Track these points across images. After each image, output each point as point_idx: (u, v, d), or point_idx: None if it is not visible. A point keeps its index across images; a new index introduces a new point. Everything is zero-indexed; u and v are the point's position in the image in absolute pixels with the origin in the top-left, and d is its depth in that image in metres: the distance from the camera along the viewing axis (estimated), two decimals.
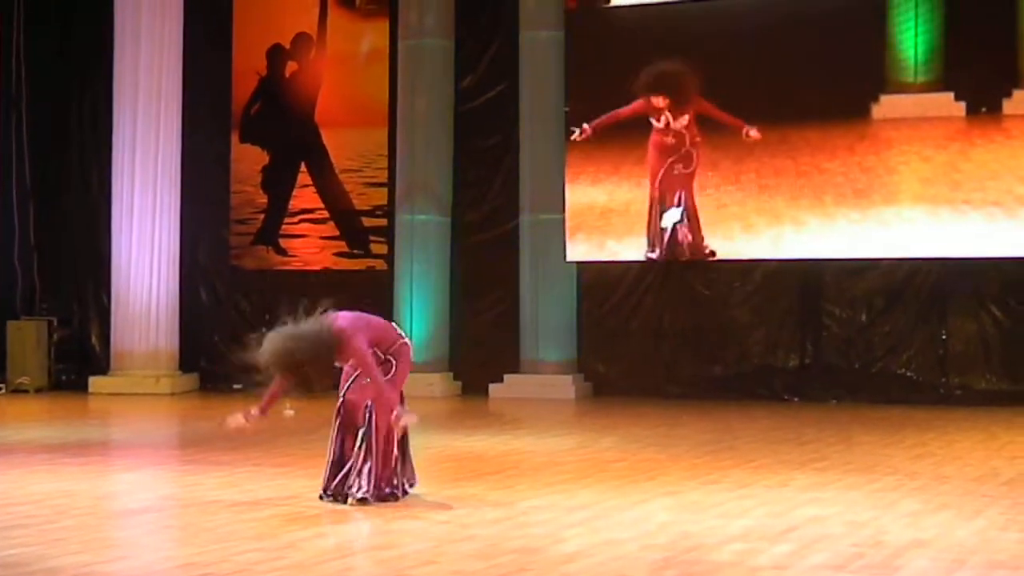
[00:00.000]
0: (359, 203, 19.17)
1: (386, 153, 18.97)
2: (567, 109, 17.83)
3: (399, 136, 18.59)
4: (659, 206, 17.41)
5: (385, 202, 18.95)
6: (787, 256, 17.10)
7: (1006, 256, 16.23)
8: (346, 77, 19.31)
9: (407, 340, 8.94)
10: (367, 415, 8.57)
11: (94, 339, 19.89)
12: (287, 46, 19.53)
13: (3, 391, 18.41)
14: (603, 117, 17.45)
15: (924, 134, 16.48)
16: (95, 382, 18.58)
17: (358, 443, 8.58)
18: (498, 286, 18.54)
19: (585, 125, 17.52)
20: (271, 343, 8.40)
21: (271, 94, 19.63)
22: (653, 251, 17.56)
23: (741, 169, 17.11)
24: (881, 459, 11.18)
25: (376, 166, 19.09)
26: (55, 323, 19.35)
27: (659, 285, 18.23)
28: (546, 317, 17.91)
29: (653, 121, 17.33)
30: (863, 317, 17.35)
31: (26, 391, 18.54)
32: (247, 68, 19.67)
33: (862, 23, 16.75)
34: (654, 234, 17.52)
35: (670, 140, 17.27)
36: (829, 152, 16.75)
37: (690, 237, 17.28)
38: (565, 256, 17.90)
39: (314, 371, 8.41)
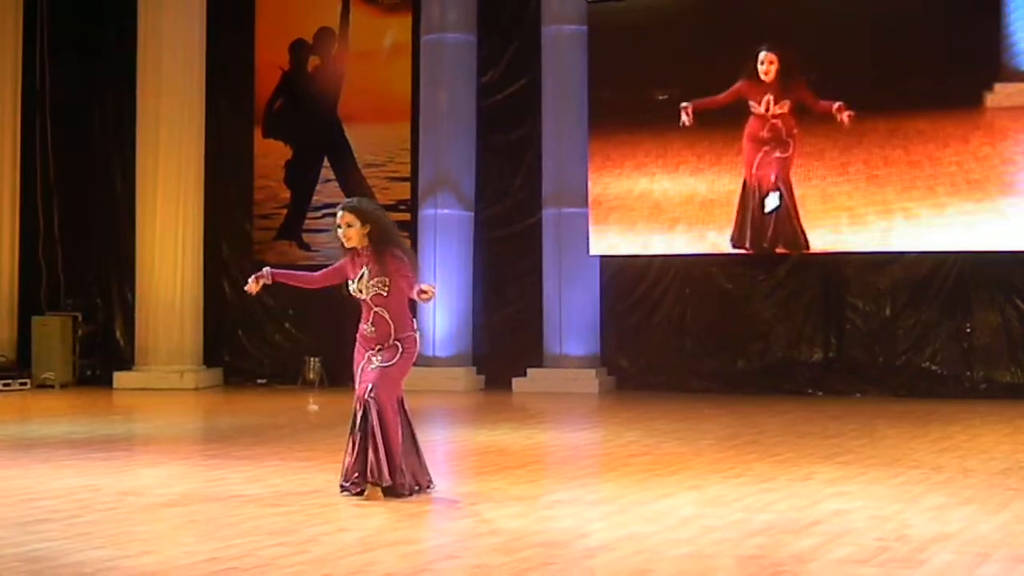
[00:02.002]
0: (382, 198, 19.12)
1: (409, 148, 18.99)
2: (664, 96, 17.45)
3: (422, 131, 18.61)
4: (756, 195, 17.05)
5: (408, 197, 18.97)
6: (900, 248, 16.72)
7: None
8: (369, 72, 19.33)
9: (417, 336, 8.79)
10: (364, 403, 8.51)
11: (118, 334, 19.98)
12: (310, 41, 19.56)
13: (28, 386, 18.49)
14: (702, 100, 17.13)
15: None
16: (119, 377, 18.66)
17: (357, 431, 8.53)
18: (521, 280, 18.56)
19: (686, 105, 17.18)
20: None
21: (294, 89, 19.67)
22: (741, 243, 17.20)
23: (849, 159, 16.73)
24: (905, 453, 11.14)
25: (399, 160, 19.11)
26: (80, 319, 19.45)
27: (682, 279, 18.21)
28: (569, 311, 17.91)
29: (752, 105, 16.97)
30: (887, 311, 17.30)
31: (51, 386, 18.63)
32: (270, 63, 19.71)
33: (975, 9, 16.37)
34: (744, 225, 17.16)
35: (766, 134, 16.98)
36: (941, 141, 16.31)
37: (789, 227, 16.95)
38: (588, 250, 17.88)
39: (389, 229, 8.67)
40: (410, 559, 6.86)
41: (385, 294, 8.52)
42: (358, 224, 8.54)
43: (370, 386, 8.50)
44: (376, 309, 8.54)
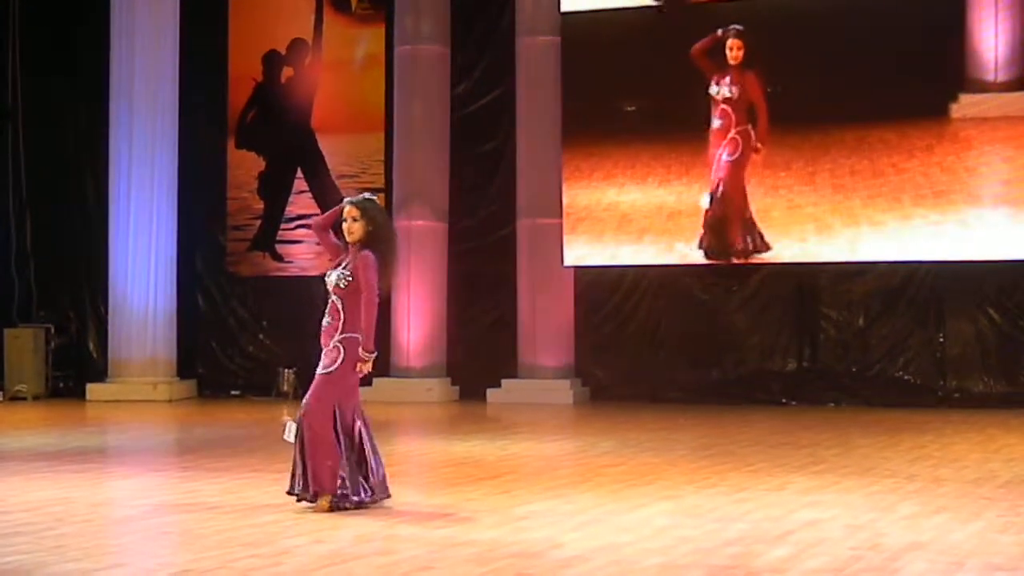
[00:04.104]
0: None
1: (382, 159, 18.99)
2: (632, 108, 17.60)
3: (396, 142, 18.60)
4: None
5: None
6: (866, 258, 16.73)
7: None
8: (342, 83, 19.32)
9: (360, 339, 8.67)
10: (301, 412, 8.57)
11: (91, 346, 19.90)
12: (283, 52, 19.55)
13: (1, 399, 18.39)
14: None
15: (1005, 134, 16.14)
16: (93, 389, 18.56)
17: (297, 440, 8.56)
18: (495, 291, 18.55)
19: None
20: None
21: (267, 100, 19.64)
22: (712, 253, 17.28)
23: (816, 169, 16.79)
24: (879, 462, 11.18)
25: (372, 172, 19.10)
26: (52, 331, 19.37)
27: (656, 290, 18.23)
28: (543, 322, 17.91)
29: (713, 86, 16.92)
30: (860, 320, 17.36)
31: (24, 399, 18.54)
32: (243, 74, 19.68)
33: (940, 21, 16.44)
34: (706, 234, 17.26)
35: (717, 119, 16.92)
36: (907, 152, 16.41)
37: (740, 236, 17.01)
38: (562, 261, 17.89)
39: (384, 234, 8.71)
40: (385, 570, 6.85)
41: (343, 286, 8.56)
42: (363, 220, 8.62)
43: (306, 394, 8.55)
44: (334, 299, 8.60)
